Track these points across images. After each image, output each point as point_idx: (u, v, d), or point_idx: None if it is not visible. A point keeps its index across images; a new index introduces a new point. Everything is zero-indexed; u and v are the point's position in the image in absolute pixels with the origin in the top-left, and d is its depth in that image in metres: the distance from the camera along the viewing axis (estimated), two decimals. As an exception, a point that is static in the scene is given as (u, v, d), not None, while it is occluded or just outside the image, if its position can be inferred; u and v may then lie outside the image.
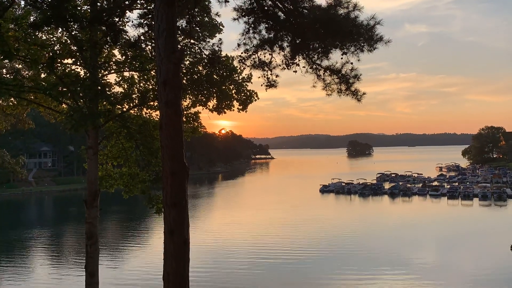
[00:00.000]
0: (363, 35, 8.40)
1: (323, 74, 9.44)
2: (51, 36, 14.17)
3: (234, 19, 9.14)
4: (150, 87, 15.39)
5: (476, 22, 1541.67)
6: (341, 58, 9.01)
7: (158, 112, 11.75)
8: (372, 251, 39.50)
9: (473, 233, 47.96)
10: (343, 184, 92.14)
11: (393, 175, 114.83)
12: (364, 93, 9.45)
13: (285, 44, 9.32)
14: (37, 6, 10.53)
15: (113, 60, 15.30)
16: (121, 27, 13.58)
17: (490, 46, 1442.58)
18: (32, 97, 15.21)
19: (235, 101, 15.06)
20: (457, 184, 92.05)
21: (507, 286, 29.62)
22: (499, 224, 54.19)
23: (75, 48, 13.99)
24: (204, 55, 13.91)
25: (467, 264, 35.14)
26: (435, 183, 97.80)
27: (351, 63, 9.03)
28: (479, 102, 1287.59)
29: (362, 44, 8.54)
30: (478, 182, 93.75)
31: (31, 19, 12.43)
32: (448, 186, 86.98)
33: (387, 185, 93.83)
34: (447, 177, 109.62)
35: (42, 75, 14.32)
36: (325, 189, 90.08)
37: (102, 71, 15.03)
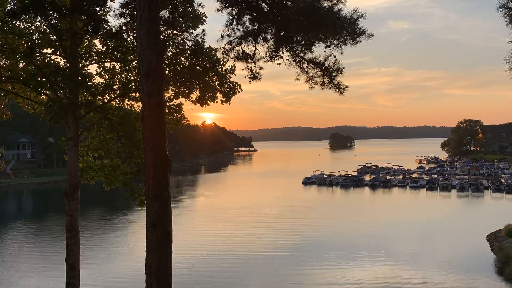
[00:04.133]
0: (346, 28, 8.45)
1: (307, 67, 9.48)
2: (30, 25, 13.81)
3: (218, 10, 9.07)
4: (132, 78, 15.17)
5: (455, 21, 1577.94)
6: (325, 51, 9.06)
7: (140, 104, 11.64)
8: (353, 240, 40.10)
9: (451, 223, 49.09)
10: (325, 176, 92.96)
11: (374, 167, 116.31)
12: (346, 86, 9.53)
13: (269, 36, 9.30)
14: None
15: (94, 50, 15.01)
16: (102, 16, 13.36)
17: (468, 43, 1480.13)
18: (10, 87, 14.85)
19: (218, 93, 14.97)
20: (436, 176, 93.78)
21: (481, 273, 30.48)
22: (475, 214, 55.60)
23: (55, 37, 13.67)
24: (187, 46, 13.78)
25: (445, 252, 35.98)
26: (415, 175, 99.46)
27: (334, 56, 9.09)
28: (458, 96, 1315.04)
29: (345, 37, 8.59)
30: (456, 174, 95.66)
31: (9, 7, 12.10)
32: (427, 178, 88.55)
33: (368, 177, 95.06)
34: (426, 169, 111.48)
35: (21, 65, 13.98)
36: (307, 181, 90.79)
37: (83, 61, 14.74)
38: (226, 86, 14.88)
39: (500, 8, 5.95)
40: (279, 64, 9.45)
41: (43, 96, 15.09)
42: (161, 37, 9.43)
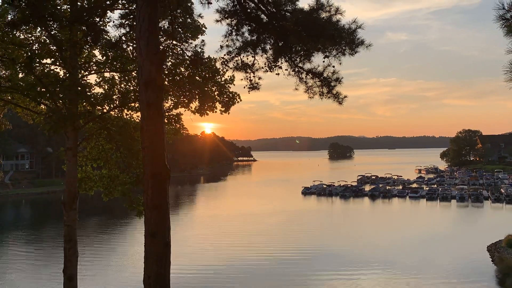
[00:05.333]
0: (345, 39, 8.48)
1: (305, 77, 9.50)
2: (30, 35, 13.89)
3: (217, 21, 9.13)
4: (131, 88, 15.21)
5: (451, 33, 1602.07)
6: (323, 62, 9.09)
7: (139, 114, 11.64)
8: (353, 250, 39.86)
9: (451, 233, 48.86)
10: (324, 186, 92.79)
11: (374, 177, 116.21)
12: (345, 96, 9.53)
13: (268, 46, 9.35)
14: (15, 4, 10.30)
15: (94, 60, 15.07)
16: (102, 27, 13.42)
17: (465, 54, 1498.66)
18: (9, 98, 14.87)
19: (217, 102, 14.99)
20: (435, 186, 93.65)
21: (482, 284, 30.27)
22: (476, 225, 55.40)
23: (55, 48, 13.73)
24: (186, 56, 13.84)
25: (445, 263, 35.72)
26: (414, 185, 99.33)
27: (333, 67, 9.12)
28: (457, 106, 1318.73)
29: (344, 47, 8.63)
30: (456, 184, 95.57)
31: (9, 18, 12.17)
32: (427, 188, 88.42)
33: (367, 187, 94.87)
34: (426, 179, 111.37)
35: (20, 75, 14.02)
36: (307, 191, 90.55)
37: (82, 71, 14.79)
38: (225, 96, 14.92)
39: (498, 19, 6.00)
40: (278, 74, 9.49)
41: (42, 106, 15.11)
42: (161, 47, 9.47)
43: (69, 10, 13.35)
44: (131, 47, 13.67)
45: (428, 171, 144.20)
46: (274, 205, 73.18)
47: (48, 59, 13.97)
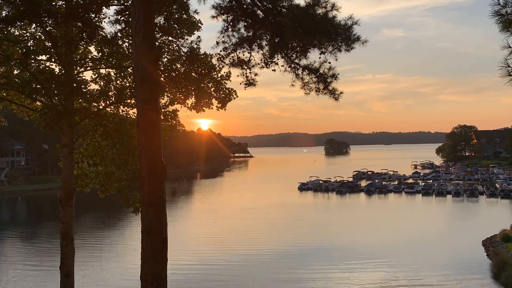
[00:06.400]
0: (341, 35, 8.49)
1: (302, 73, 9.50)
2: (25, 31, 13.81)
3: (213, 17, 9.11)
4: (127, 84, 15.17)
5: (447, 29, 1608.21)
6: (319, 58, 9.09)
7: (135, 110, 11.61)
8: (349, 245, 40.02)
9: (446, 228, 49.17)
10: (320, 182, 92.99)
11: (370, 172, 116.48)
12: (341, 92, 9.54)
13: (264, 42, 9.34)
14: (9, 0, 10.24)
15: (89, 56, 15.03)
16: (97, 23, 13.36)
17: (460, 51, 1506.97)
18: (4, 94, 14.80)
19: (213, 99, 14.99)
20: (431, 181, 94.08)
21: (477, 278, 30.50)
22: (471, 220, 55.72)
23: (50, 44, 13.67)
24: (182, 53, 13.81)
25: (441, 257, 35.91)
26: (410, 180, 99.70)
27: (329, 63, 9.12)
28: (452, 102, 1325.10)
29: (340, 43, 8.63)
30: (451, 179, 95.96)
31: (3, 14, 12.10)
32: (423, 184, 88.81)
33: (363, 183, 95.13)
34: (422, 174, 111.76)
35: (15, 72, 13.95)
36: (303, 187, 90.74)
37: (78, 68, 14.73)
38: (221, 92, 14.91)
39: (493, 14, 6.03)
40: (274, 70, 9.49)
41: (38, 103, 15.04)
42: (157, 43, 9.45)
43: (64, 6, 13.27)
44: (127, 43, 13.64)
45: (423, 167, 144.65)
46: (270, 201, 73.30)
47: (43, 56, 13.91)
